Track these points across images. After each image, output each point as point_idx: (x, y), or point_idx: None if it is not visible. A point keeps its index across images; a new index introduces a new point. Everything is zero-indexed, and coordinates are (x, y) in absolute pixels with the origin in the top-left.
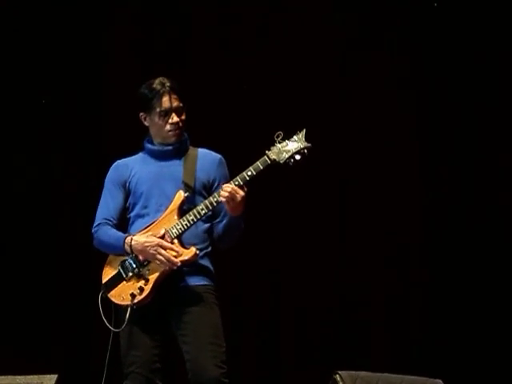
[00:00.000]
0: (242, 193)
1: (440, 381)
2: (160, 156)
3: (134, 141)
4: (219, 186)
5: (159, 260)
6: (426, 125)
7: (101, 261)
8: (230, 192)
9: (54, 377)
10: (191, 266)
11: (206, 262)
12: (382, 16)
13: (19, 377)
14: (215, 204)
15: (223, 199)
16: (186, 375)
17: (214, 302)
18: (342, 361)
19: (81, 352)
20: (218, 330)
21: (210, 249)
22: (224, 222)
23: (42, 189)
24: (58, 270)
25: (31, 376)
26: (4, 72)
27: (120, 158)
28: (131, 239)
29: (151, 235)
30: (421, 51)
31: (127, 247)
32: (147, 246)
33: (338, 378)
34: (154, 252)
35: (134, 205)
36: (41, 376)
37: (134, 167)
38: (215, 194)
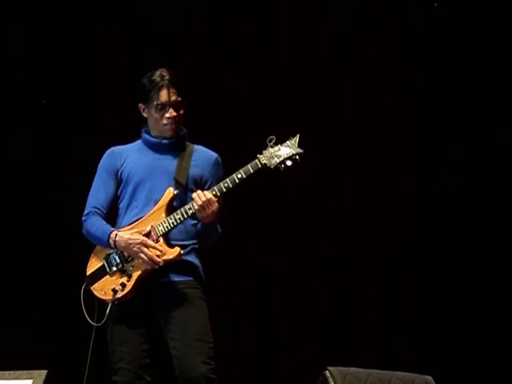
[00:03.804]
0: (216, 205)
1: (430, 377)
2: (156, 148)
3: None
4: (211, 186)
5: (141, 258)
6: (421, 125)
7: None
8: (203, 201)
9: (44, 372)
10: (177, 263)
11: (191, 258)
12: (382, 16)
13: (8, 372)
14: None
15: (196, 207)
16: (174, 370)
17: (201, 297)
18: (333, 357)
19: (71, 347)
20: (205, 326)
21: (197, 245)
22: (199, 225)
23: (41, 189)
24: (48, 266)
25: (21, 371)
26: (4, 72)
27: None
28: (116, 235)
29: (136, 232)
30: (420, 51)
31: (111, 242)
32: (130, 244)
33: (328, 374)
34: (137, 250)
35: (125, 195)
36: (30, 371)
37: (128, 156)
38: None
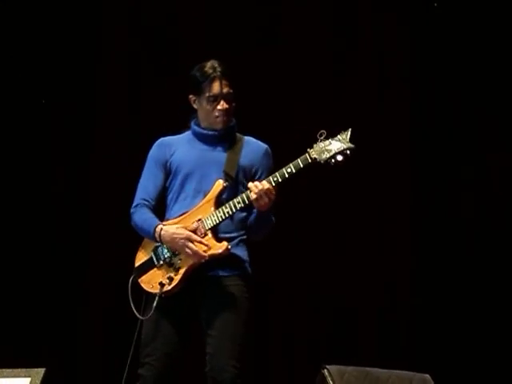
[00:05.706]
0: (273, 193)
1: (428, 376)
2: (206, 139)
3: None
4: (262, 177)
5: (187, 253)
6: (419, 125)
7: (88, 258)
8: (260, 190)
9: (42, 370)
10: (224, 256)
11: (238, 251)
12: (382, 16)
13: (7, 370)
14: (250, 199)
15: (253, 196)
16: (200, 369)
17: (245, 295)
18: (331, 355)
19: (69, 346)
20: (243, 328)
21: (245, 236)
22: (254, 215)
23: (41, 189)
24: (45, 265)
25: (19, 369)
26: (4, 72)
27: (121, 155)
28: (161, 229)
29: (182, 227)
30: (420, 51)
31: (157, 236)
32: (175, 238)
33: (326, 373)
34: (182, 244)
35: (173, 186)
36: (28, 369)
37: (178, 147)
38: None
